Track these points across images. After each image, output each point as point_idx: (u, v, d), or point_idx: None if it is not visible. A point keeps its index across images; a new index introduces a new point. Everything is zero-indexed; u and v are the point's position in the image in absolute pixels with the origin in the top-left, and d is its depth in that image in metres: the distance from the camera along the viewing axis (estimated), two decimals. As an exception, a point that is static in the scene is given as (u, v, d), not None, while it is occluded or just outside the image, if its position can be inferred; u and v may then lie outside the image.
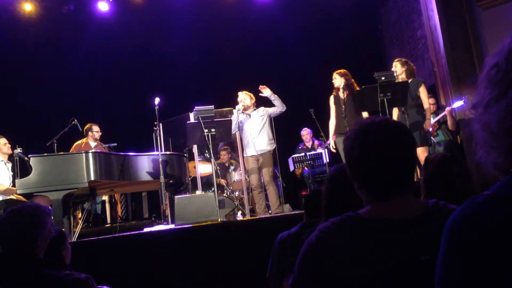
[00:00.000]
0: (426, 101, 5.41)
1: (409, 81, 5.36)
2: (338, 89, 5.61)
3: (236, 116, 5.90)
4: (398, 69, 5.42)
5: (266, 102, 6.04)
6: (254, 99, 6.00)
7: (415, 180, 1.79)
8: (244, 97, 5.92)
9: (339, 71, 5.64)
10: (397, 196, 1.15)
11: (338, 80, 5.56)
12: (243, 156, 6.07)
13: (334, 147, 5.78)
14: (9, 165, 5.46)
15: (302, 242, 1.23)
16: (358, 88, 5.54)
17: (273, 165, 5.95)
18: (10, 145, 5.45)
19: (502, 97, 0.73)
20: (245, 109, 5.91)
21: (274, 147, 5.92)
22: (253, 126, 5.87)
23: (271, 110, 5.92)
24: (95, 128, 6.53)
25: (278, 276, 2.78)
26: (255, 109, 5.98)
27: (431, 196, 1.55)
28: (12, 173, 5.43)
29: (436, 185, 1.89)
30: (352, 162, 1.19)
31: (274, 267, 2.86)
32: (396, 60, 5.58)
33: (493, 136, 0.74)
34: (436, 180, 1.90)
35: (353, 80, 5.63)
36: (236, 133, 6.33)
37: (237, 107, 5.92)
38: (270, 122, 5.96)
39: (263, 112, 5.93)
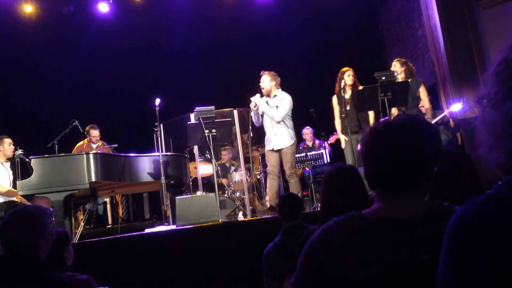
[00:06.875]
0: (427, 101, 5.41)
1: (409, 81, 5.36)
2: (341, 88, 5.59)
3: (252, 111, 5.53)
4: (397, 68, 5.42)
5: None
6: (279, 79, 5.53)
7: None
8: (263, 80, 5.51)
9: (350, 68, 5.62)
10: (405, 196, 1.14)
11: (352, 77, 5.53)
12: (243, 156, 6.04)
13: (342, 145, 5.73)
14: (7, 164, 5.45)
15: (303, 242, 1.23)
16: (360, 87, 5.54)
17: (294, 158, 5.59)
18: (13, 147, 5.45)
19: (509, 98, 0.72)
20: (267, 94, 5.52)
21: (293, 140, 5.51)
22: (269, 118, 5.50)
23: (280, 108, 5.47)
24: (93, 132, 6.55)
25: (276, 286, 2.83)
26: (276, 95, 5.50)
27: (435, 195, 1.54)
28: (12, 172, 5.42)
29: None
30: (366, 157, 1.19)
31: (268, 280, 2.91)
32: (395, 60, 5.57)
33: (496, 136, 0.74)
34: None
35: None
36: (236, 131, 6.32)
37: (251, 105, 5.50)
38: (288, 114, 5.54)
39: (279, 103, 5.45)
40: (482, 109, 0.77)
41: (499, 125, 0.72)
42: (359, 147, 5.26)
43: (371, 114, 5.59)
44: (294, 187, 5.42)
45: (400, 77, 5.38)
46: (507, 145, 0.72)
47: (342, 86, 5.48)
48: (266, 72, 5.58)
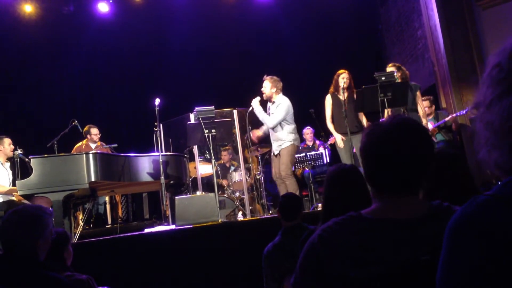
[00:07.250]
0: (422, 107, 5.44)
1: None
2: (337, 88, 5.57)
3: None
4: None
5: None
6: (280, 85, 5.56)
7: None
8: (264, 85, 5.55)
9: (346, 71, 5.61)
10: (405, 196, 1.15)
11: (347, 80, 5.52)
12: (243, 156, 6.03)
13: (338, 144, 5.70)
14: (7, 164, 5.45)
15: (303, 243, 1.23)
16: (354, 89, 5.53)
17: (291, 159, 5.52)
18: (13, 146, 5.46)
19: (504, 96, 0.72)
20: (267, 99, 5.58)
21: (289, 143, 5.43)
22: None
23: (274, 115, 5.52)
24: (93, 131, 6.53)
25: (276, 286, 2.83)
26: (274, 101, 5.55)
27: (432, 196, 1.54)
28: (11, 171, 5.43)
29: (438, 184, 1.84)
30: (366, 157, 1.19)
31: (268, 280, 2.91)
32: (390, 64, 5.54)
33: (496, 135, 0.73)
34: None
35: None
36: (236, 132, 6.32)
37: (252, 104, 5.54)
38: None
39: (275, 109, 5.51)
40: (480, 113, 0.78)
41: (497, 121, 0.73)
42: (354, 149, 5.17)
43: (362, 115, 5.58)
44: (291, 188, 5.39)
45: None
46: (507, 143, 0.72)
47: (342, 87, 5.47)
48: (268, 78, 5.59)
